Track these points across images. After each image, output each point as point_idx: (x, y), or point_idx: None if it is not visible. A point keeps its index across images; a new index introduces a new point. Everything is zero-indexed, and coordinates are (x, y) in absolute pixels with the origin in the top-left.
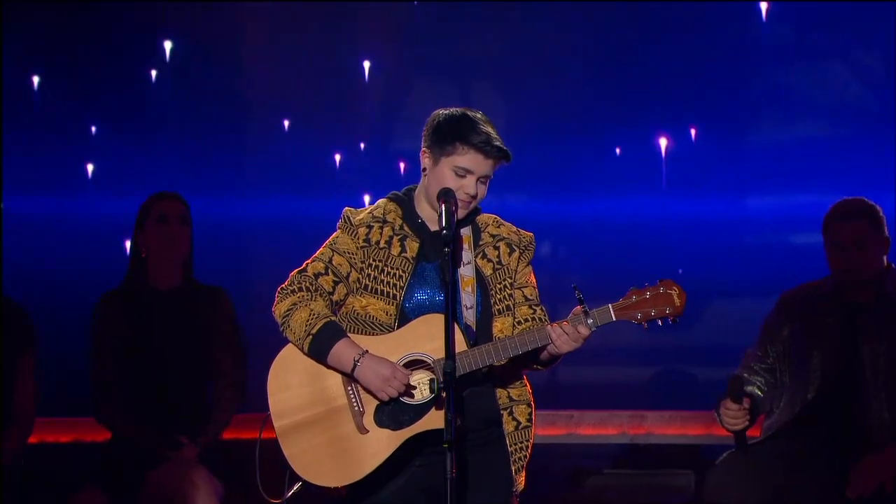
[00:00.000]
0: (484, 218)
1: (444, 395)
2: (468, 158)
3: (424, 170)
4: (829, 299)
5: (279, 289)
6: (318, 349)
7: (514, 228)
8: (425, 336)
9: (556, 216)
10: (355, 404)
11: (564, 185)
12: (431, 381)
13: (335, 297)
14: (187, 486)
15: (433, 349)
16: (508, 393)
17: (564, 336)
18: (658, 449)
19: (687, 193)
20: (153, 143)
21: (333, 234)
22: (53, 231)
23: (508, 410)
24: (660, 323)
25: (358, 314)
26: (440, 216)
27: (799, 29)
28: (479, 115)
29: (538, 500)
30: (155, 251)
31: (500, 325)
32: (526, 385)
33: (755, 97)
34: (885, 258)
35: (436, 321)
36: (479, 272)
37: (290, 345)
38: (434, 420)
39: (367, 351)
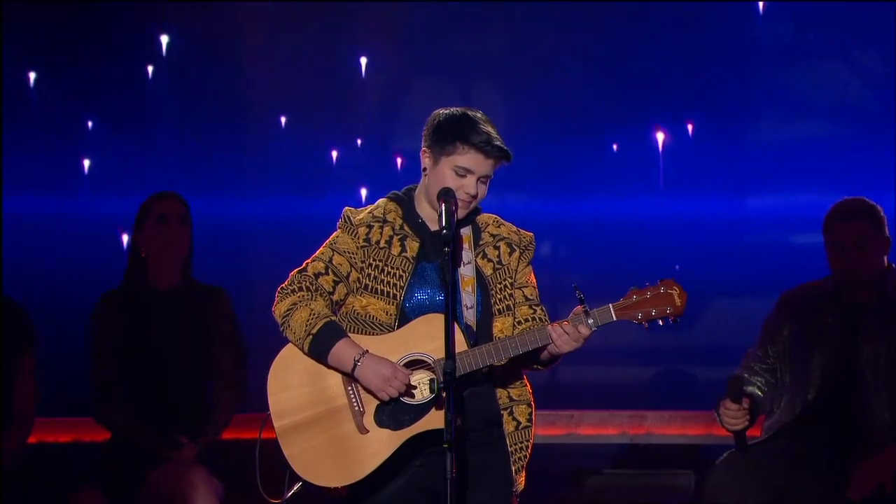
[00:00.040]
0: (484, 218)
1: (444, 395)
2: (469, 158)
3: (425, 169)
4: (830, 299)
5: (279, 288)
6: (319, 349)
7: (515, 228)
8: (425, 336)
9: (556, 216)
10: (355, 404)
11: (563, 185)
12: (432, 381)
13: (335, 297)
14: (187, 487)
15: (433, 349)
16: (509, 393)
17: (565, 336)
18: (658, 449)
19: (687, 193)
20: (149, 139)
21: (333, 234)
22: (51, 230)
23: (509, 410)
24: (660, 323)
25: (358, 314)
26: (440, 216)
27: (799, 28)
28: (479, 115)
29: (538, 500)
30: (155, 251)
31: (500, 325)
32: (526, 385)
33: (755, 97)
34: (885, 258)
35: (436, 321)
36: (479, 272)
37: (290, 345)
38: (434, 420)
39: (367, 351)
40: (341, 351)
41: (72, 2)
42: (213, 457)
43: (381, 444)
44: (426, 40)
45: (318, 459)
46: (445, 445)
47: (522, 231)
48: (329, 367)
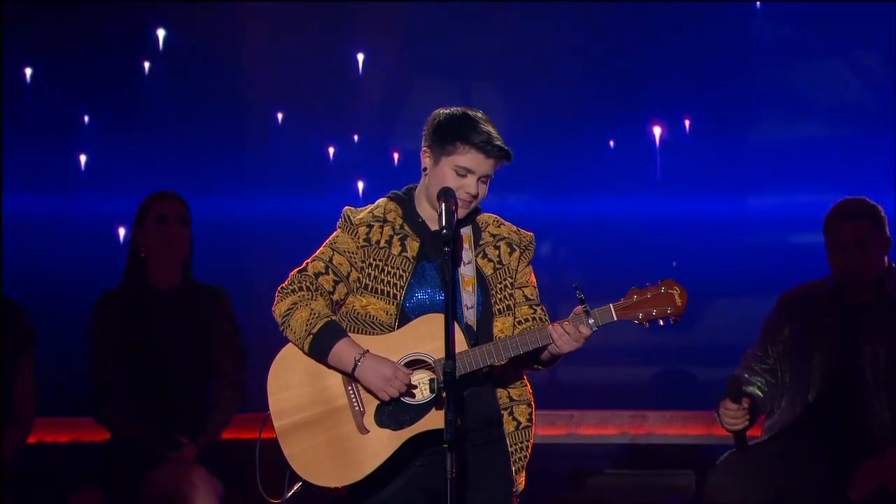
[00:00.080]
0: (484, 217)
1: (444, 395)
2: (469, 158)
3: (425, 169)
4: (830, 299)
5: (279, 288)
6: (319, 349)
7: (515, 228)
8: (426, 336)
9: (555, 215)
10: (356, 404)
11: (562, 184)
12: (432, 380)
13: (335, 297)
14: (187, 487)
15: (434, 349)
16: (509, 393)
17: (566, 336)
18: (659, 449)
19: (687, 193)
20: (146, 136)
21: (334, 234)
22: (48, 228)
23: (509, 410)
24: (661, 323)
25: (358, 314)
26: (440, 215)
27: (799, 28)
28: (479, 115)
29: (538, 500)
30: (154, 251)
31: (500, 325)
32: (526, 385)
33: (755, 96)
34: (886, 258)
35: (436, 321)
36: (479, 272)
37: (290, 344)
38: (434, 420)
39: (367, 350)
40: (342, 351)
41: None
42: (212, 457)
43: (382, 444)
44: (423, 37)
45: (318, 459)
46: (445, 445)
47: (522, 231)
48: (329, 366)
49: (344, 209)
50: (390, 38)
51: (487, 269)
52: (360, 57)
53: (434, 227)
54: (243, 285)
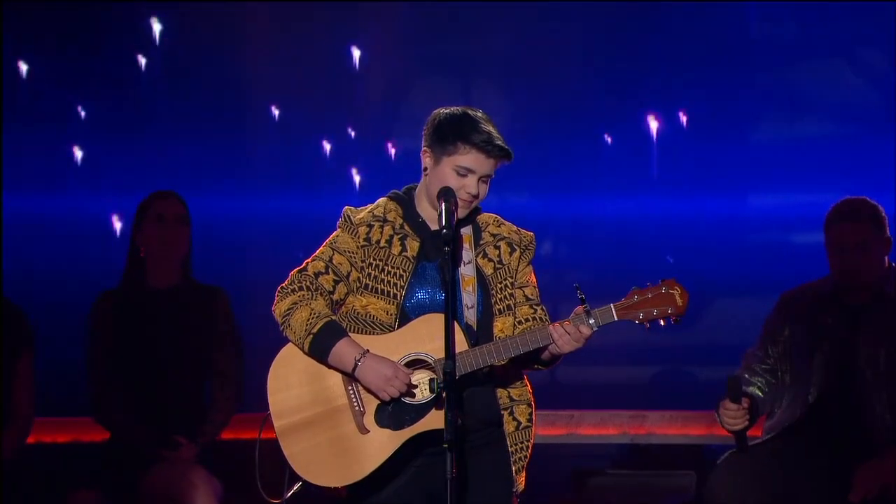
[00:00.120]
0: (484, 217)
1: (444, 395)
2: (470, 158)
3: (425, 169)
4: (830, 300)
5: (279, 288)
6: (319, 348)
7: (515, 228)
8: (426, 336)
9: (555, 215)
10: (356, 404)
11: (563, 183)
12: (432, 380)
13: (335, 297)
14: (186, 487)
15: (434, 349)
16: (509, 393)
17: (566, 336)
18: (659, 449)
19: (688, 192)
20: (140, 132)
21: (334, 233)
22: (44, 225)
23: (509, 410)
24: (662, 323)
25: (358, 313)
26: (440, 215)
27: (800, 27)
28: (479, 114)
29: (538, 500)
30: (153, 251)
31: (500, 325)
32: (526, 385)
33: (755, 96)
34: (886, 259)
35: (436, 321)
36: (479, 271)
37: (290, 344)
38: (435, 420)
39: (368, 350)
40: (342, 350)
41: None
42: (211, 457)
43: (382, 445)
44: (418, 31)
45: (318, 459)
46: (445, 445)
47: (523, 231)
48: (329, 366)
49: (344, 209)
50: (385, 32)
51: (488, 269)
52: (356, 51)
53: (434, 226)
54: (241, 284)
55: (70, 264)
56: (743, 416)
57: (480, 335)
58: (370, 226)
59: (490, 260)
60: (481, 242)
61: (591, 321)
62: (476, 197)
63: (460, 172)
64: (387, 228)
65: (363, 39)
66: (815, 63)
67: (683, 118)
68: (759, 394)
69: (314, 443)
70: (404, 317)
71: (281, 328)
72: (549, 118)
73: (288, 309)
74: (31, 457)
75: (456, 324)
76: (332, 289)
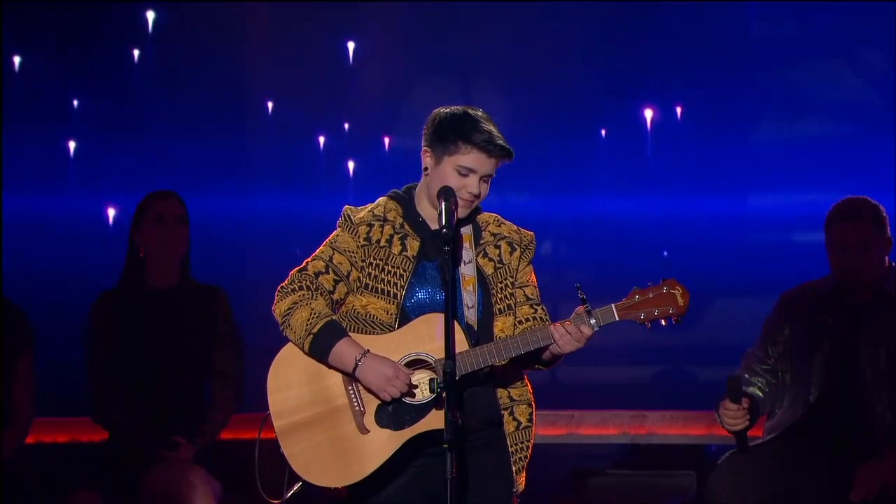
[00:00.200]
0: (484, 217)
1: (444, 395)
2: (471, 158)
3: (426, 169)
4: (830, 299)
5: (279, 287)
6: (320, 348)
7: (515, 227)
8: (426, 335)
9: (554, 215)
10: (356, 404)
11: (563, 183)
12: (432, 380)
13: (336, 296)
14: (185, 487)
15: (434, 349)
16: (509, 393)
17: (567, 336)
18: (659, 449)
19: (688, 192)
20: (134, 128)
21: (334, 233)
22: (44, 227)
23: (509, 410)
24: (663, 323)
25: (358, 313)
26: (440, 214)
27: (800, 27)
28: (480, 114)
29: (538, 500)
30: (153, 251)
31: (501, 325)
32: (527, 385)
33: (755, 96)
34: (887, 258)
35: (436, 321)
36: (480, 271)
37: (289, 344)
38: (435, 420)
39: (368, 350)
40: (342, 350)
41: None
42: (210, 457)
43: (382, 445)
44: (413, 26)
45: (318, 459)
46: (445, 446)
47: (523, 230)
48: (329, 366)
49: (344, 208)
50: (385, 32)
51: (488, 269)
52: (351, 45)
53: (434, 226)
54: (241, 284)
55: (69, 264)
56: (743, 416)
57: (481, 335)
58: (370, 225)
59: (490, 259)
60: (481, 242)
61: (593, 321)
62: (477, 196)
63: (461, 172)
64: (387, 228)
65: (361, 37)
66: (815, 63)
67: (683, 118)
68: (760, 394)
69: (314, 443)
70: (404, 316)
71: (281, 328)
72: (548, 118)
73: (288, 309)
74: (30, 457)
75: (456, 323)
76: (332, 288)
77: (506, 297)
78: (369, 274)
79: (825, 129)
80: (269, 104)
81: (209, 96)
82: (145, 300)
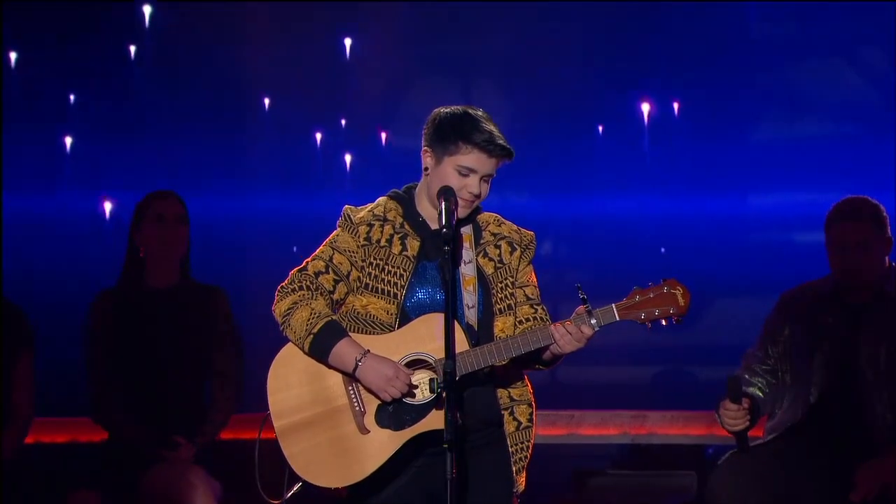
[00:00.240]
0: (485, 216)
1: (444, 395)
2: (472, 157)
3: (426, 169)
4: (830, 299)
5: (279, 287)
6: (320, 348)
7: (515, 227)
8: (426, 336)
9: (554, 214)
10: (356, 404)
11: (563, 183)
12: (432, 380)
13: (336, 296)
14: (184, 487)
15: (434, 349)
16: (509, 393)
17: (567, 336)
18: (660, 449)
19: (688, 191)
20: (132, 126)
21: (334, 233)
22: (44, 227)
23: (509, 410)
24: (664, 323)
25: (358, 313)
26: (440, 214)
27: (800, 27)
28: (480, 113)
29: (539, 500)
30: (153, 251)
31: (501, 325)
32: (527, 385)
33: (755, 96)
34: (887, 258)
35: (437, 321)
36: (480, 271)
37: (289, 344)
38: (435, 420)
39: (369, 350)
40: (343, 350)
41: None
42: (210, 457)
43: (382, 445)
44: (410, 23)
45: (318, 459)
46: (445, 446)
47: (523, 230)
48: (330, 366)
49: (344, 208)
50: (385, 32)
51: (488, 269)
52: (348, 42)
53: (434, 226)
54: (241, 284)
55: (69, 264)
56: (743, 416)
57: (481, 335)
58: (370, 225)
59: (490, 259)
60: (482, 242)
61: (593, 321)
62: (478, 196)
63: (462, 172)
64: (387, 228)
65: (361, 36)
66: (815, 63)
67: (684, 117)
68: (760, 394)
69: (314, 443)
70: (404, 316)
71: (281, 328)
72: (548, 118)
73: (288, 309)
74: (30, 457)
75: (456, 323)
76: (332, 288)
77: (506, 296)
78: (369, 274)
79: (825, 129)
80: (266, 101)
81: (208, 94)
82: (145, 300)
